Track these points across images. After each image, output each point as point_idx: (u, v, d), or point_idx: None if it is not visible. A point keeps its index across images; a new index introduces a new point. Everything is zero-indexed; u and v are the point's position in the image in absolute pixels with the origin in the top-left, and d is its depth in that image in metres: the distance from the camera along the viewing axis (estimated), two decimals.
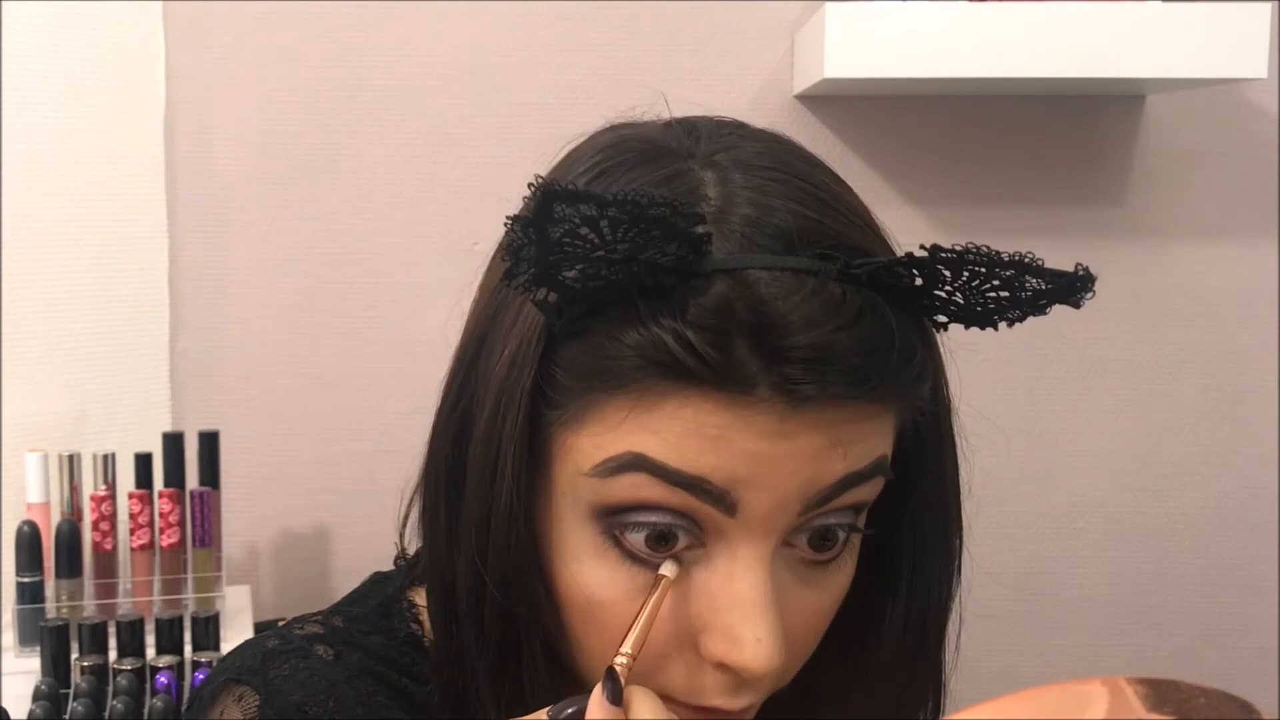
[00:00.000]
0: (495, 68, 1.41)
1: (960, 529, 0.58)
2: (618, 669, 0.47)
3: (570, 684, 0.54)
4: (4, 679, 1.15)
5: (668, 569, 0.49)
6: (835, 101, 1.43)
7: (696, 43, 1.42)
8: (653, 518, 0.49)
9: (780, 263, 0.47)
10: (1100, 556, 1.54)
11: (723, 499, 0.47)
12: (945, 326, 0.53)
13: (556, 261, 0.46)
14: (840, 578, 0.53)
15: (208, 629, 1.15)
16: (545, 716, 0.47)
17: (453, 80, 1.41)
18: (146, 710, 1.05)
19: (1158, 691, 0.38)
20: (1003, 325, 0.52)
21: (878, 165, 1.45)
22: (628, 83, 1.40)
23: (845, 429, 0.48)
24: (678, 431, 0.47)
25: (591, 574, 0.50)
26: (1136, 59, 1.27)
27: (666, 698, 0.51)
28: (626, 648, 0.48)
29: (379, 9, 1.39)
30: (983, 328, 0.52)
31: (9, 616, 1.22)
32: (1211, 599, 1.55)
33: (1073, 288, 0.48)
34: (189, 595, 1.24)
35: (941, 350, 0.57)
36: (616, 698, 0.46)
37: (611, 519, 0.49)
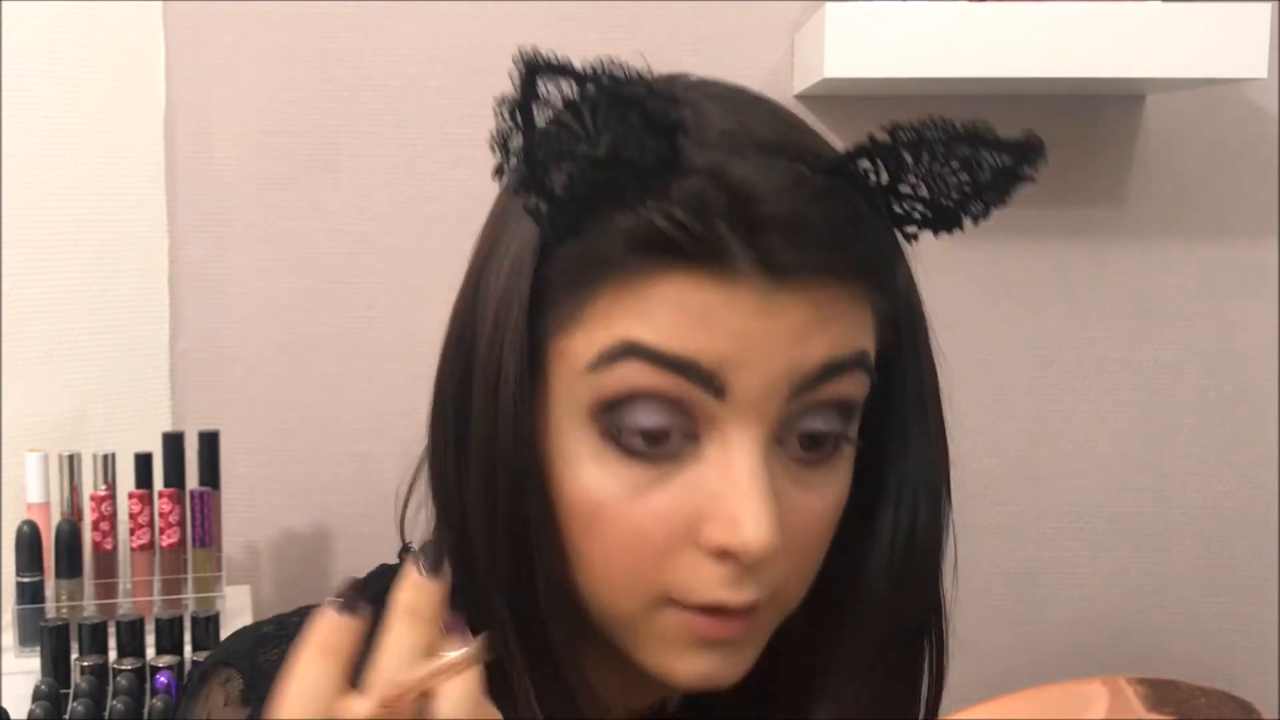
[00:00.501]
0: (495, 68, 1.40)
1: (944, 441, 0.59)
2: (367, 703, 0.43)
3: (580, 612, 0.54)
4: (4, 679, 1.15)
5: (469, 649, 0.45)
6: (835, 101, 1.43)
7: (696, 43, 1.42)
8: (648, 418, 0.50)
9: (754, 157, 0.50)
10: (1100, 556, 1.54)
11: (712, 381, 0.49)
12: (915, 237, 0.55)
13: (544, 159, 0.48)
14: (835, 486, 0.54)
15: (208, 629, 1.15)
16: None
17: (453, 80, 1.41)
18: (146, 710, 1.05)
19: (1158, 691, 0.38)
20: (969, 226, 0.54)
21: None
22: None
23: (825, 309, 0.50)
24: (666, 315, 0.49)
25: (592, 476, 0.51)
26: (1136, 59, 1.27)
27: (670, 601, 0.52)
28: (389, 691, 0.43)
29: (379, 9, 1.39)
30: (950, 229, 0.54)
31: (9, 616, 1.22)
32: (1211, 599, 1.55)
33: (1026, 156, 0.52)
34: (189, 595, 1.24)
35: (934, 340, 0.60)
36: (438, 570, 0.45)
37: (609, 416, 0.51)
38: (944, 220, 0.53)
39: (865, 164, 0.51)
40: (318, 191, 1.41)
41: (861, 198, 0.51)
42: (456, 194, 1.42)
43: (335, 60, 1.40)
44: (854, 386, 0.52)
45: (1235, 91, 1.48)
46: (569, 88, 0.47)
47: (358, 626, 0.44)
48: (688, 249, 0.48)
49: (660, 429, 0.50)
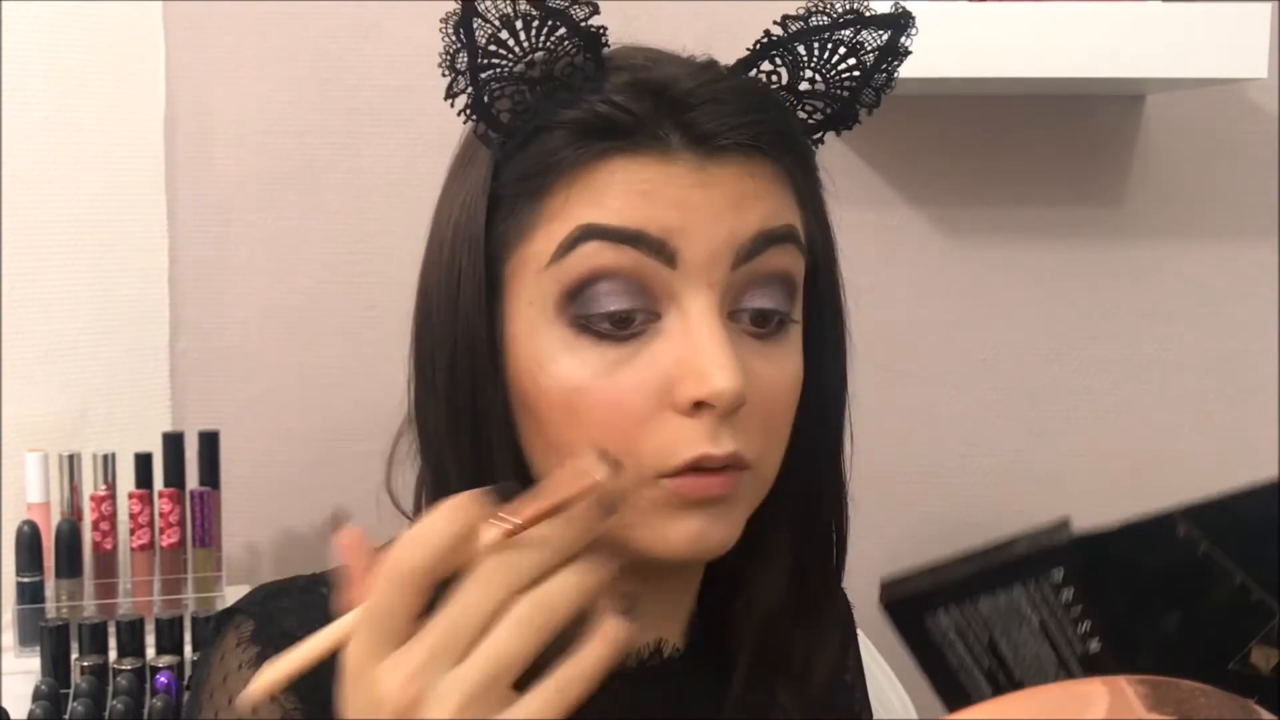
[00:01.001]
0: None
1: (844, 318, 0.65)
2: (496, 529, 0.45)
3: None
4: (4, 679, 1.15)
5: (596, 470, 0.48)
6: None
7: (696, 43, 1.41)
8: (611, 302, 0.55)
9: (667, 63, 0.59)
10: None
11: (662, 249, 0.54)
12: (821, 140, 0.62)
13: (487, 80, 0.55)
14: (789, 359, 0.59)
15: (208, 629, 1.15)
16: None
17: None
18: (146, 710, 1.05)
19: (1158, 691, 0.38)
20: (863, 115, 0.61)
21: (878, 165, 1.45)
22: None
23: (752, 182, 0.56)
24: (613, 195, 0.55)
25: (567, 365, 0.55)
26: (1136, 59, 1.27)
27: (659, 476, 0.54)
28: (517, 518, 0.45)
29: (379, 9, 1.39)
30: (849, 125, 0.61)
31: (9, 616, 1.22)
32: None
33: (899, 26, 0.59)
34: (189, 595, 1.24)
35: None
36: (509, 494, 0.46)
37: (576, 304, 0.55)
38: (841, 114, 0.61)
39: (766, 66, 0.60)
40: (318, 191, 1.41)
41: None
42: None
43: (335, 60, 1.40)
44: (789, 259, 0.58)
45: (1235, 91, 1.48)
46: (504, 3, 0.53)
47: (486, 507, 0.45)
48: (625, 129, 0.54)
49: (624, 310, 0.55)
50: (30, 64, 1.31)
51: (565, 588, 0.45)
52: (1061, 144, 1.48)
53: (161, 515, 1.25)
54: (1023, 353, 1.51)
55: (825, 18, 0.58)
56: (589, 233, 0.54)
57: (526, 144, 0.56)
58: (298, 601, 0.61)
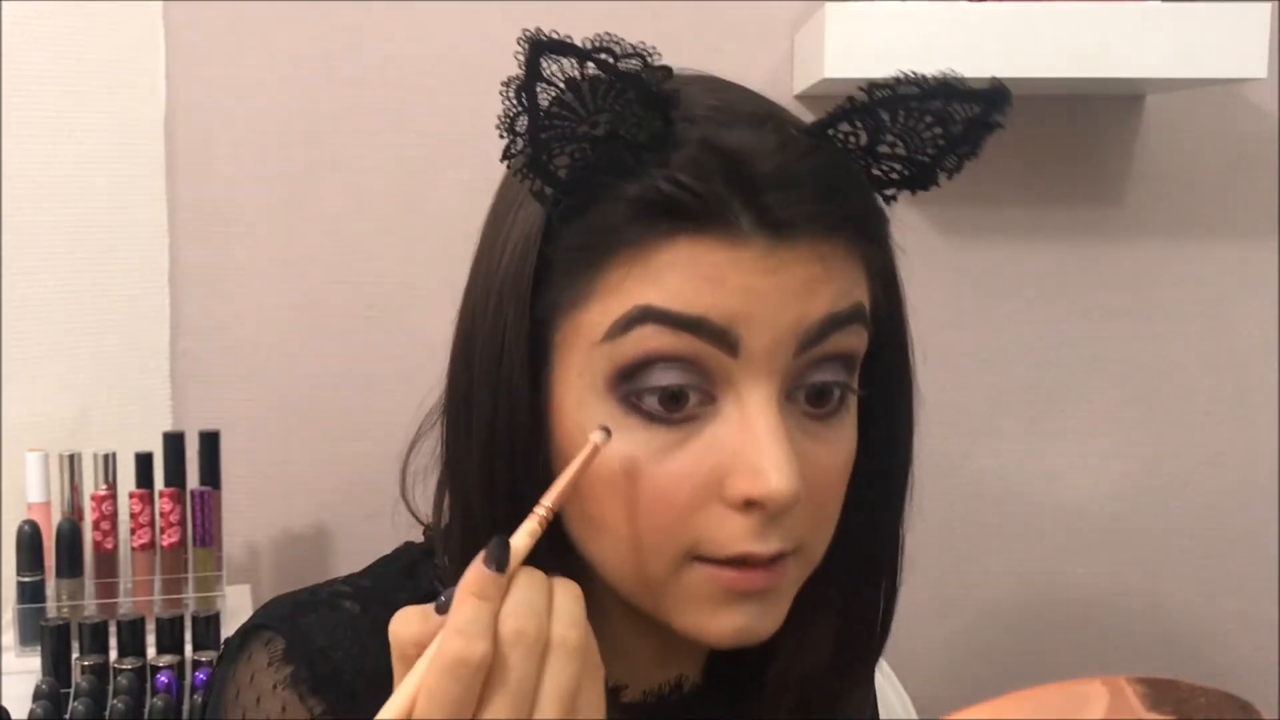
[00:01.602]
0: (495, 68, 1.40)
1: (913, 390, 0.62)
2: (536, 518, 0.49)
3: (588, 578, 0.55)
4: (4, 679, 1.15)
5: (596, 436, 0.52)
6: (835, 101, 1.43)
7: (696, 42, 1.42)
8: (665, 378, 0.52)
9: (740, 126, 0.53)
10: (1100, 556, 1.54)
11: (724, 337, 0.51)
12: (894, 198, 0.58)
13: (547, 141, 0.51)
14: (845, 436, 0.56)
15: (208, 629, 1.15)
16: (434, 610, 0.48)
17: (453, 80, 1.41)
18: (147, 710, 1.05)
19: (1158, 691, 0.38)
20: (944, 180, 0.57)
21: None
22: None
23: (823, 265, 0.53)
24: (675, 277, 0.51)
25: (615, 446, 0.53)
26: (1136, 59, 1.27)
27: (698, 558, 0.53)
28: (547, 500, 0.50)
29: (379, 9, 1.40)
30: (927, 187, 0.57)
31: (9, 616, 1.23)
32: (1211, 599, 1.55)
33: (994, 103, 0.54)
34: (189, 595, 1.24)
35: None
36: (501, 564, 0.47)
37: (628, 384, 0.52)
38: (920, 177, 0.56)
39: (845, 127, 0.55)
40: (318, 191, 1.41)
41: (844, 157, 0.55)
42: (456, 194, 1.42)
43: (335, 60, 1.40)
44: (855, 339, 0.55)
45: (1235, 91, 1.48)
46: (571, 66, 0.50)
47: (505, 580, 0.47)
48: (692, 211, 0.51)
49: (678, 390, 0.52)
50: (30, 64, 1.31)
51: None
52: (1061, 144, 1.48)
53: (162, 515, 1.25)
54: (1023, 353, 1.51)
55: (914, 88, 0.53)
56: (647, 315, 0.51)
57: (584, 209, 0.53)
58: (325, 618, 0.60)
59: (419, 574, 0.63)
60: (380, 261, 1.42)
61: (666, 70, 0.52)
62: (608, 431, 0.52)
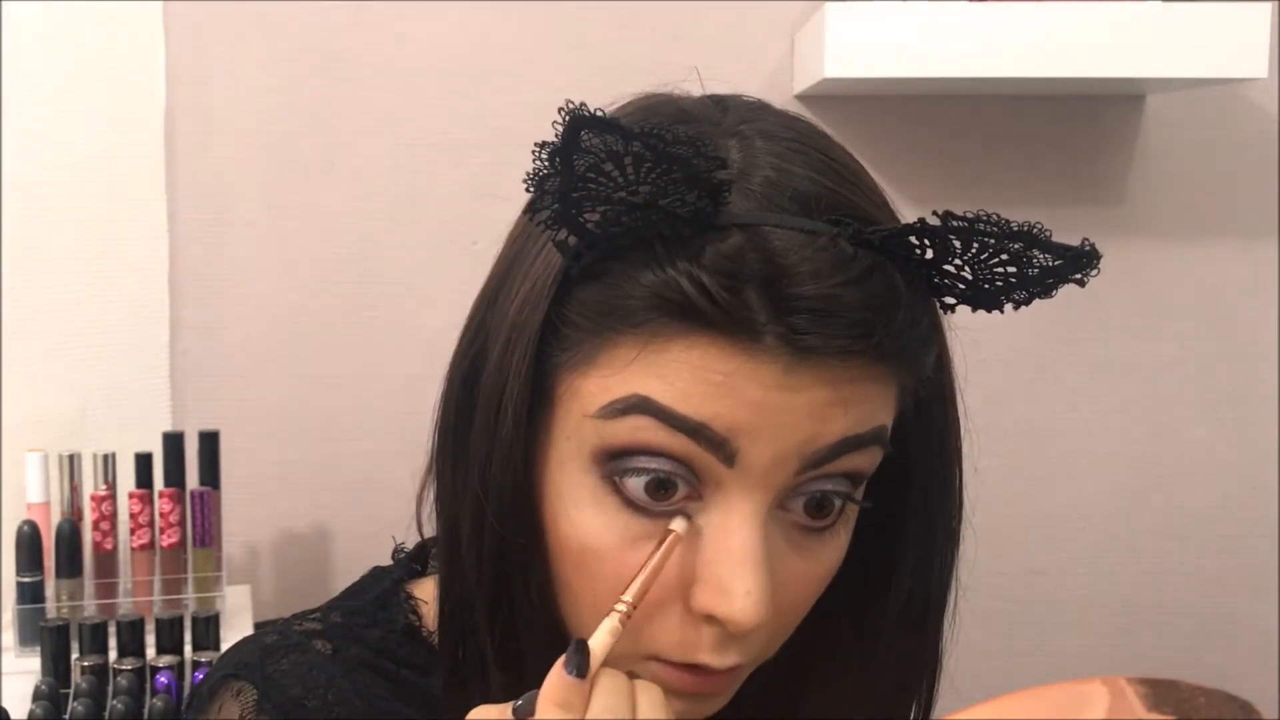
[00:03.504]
0: (495, 68, 1.41)
1: (961, 509, 0.59)
2: (616, 616, 0.48)
3: (562, 634, 0.54)
4: (4, 679, 1.15)
5: (677, 524, 0.50)
6: (835, 101, 1.43)
7: (696, 43, 1.42)
8: (653, 464, 0.49)
9: (795, 223, 0.48)
10: (1100, 556, 1.54)
11: (723, 447, 0.48)
12: (953, 309, 0.53)
13: (579, 200, 0.47)
14: (833, 549, 0.53)
15: (208, 629, 1.15)
16: (510, 712, 0.47)
17: (453, 80, 1.41)
18: (146, 710, 1.05)
19: (1158, 691, 0.38)
20: (1009, 309, 0.52)
21: (878, 165, 1.44)
22: (628, 83, 1.40)
23: (848, 388, 0.49)
24: (684, 376, 0.48)
25: (589, 521, 0.51)
26: (1136, 59, 1.27)
27: (654, 657, 0.52)
28: (627, 596, 0.48)
29: (379, 9, 1.40)
30: (989, 310, 0.52)
31: (9, 616, 1.22)
32: (1211, 599, 1.55)
33: (1078, 263, 0.49)
34: (189, 595, 1.24)
35: (960, 403, 0.58)
36: (582, 670, 0.46)
37: (613, 464, 0.50)
38: (984, 301, 0.52)
39: (913, 240, 0.49)
40: (318, 191, 1.41)
41: (901, 274, 0.50)
42: (456, 194, 1.42)
43: (335, 60, 1.40)
44: (867, 460, 0.52)
45: (1235, 91, 1.48)
46: (614, 142, 0.46)
47: (587, 687, 0.46)
48: (711, 317, 0.47)
49: (666, 479, 0.49)
50: (30, 64, 1.31)
51: None
52: (1061, 144, 1.48)
53: (162, 515, 1.25)
54: (1023, 353, 1.51)
55: (992, 228, 0.48)
56: (645, 407, 0.48)
57: (605, 272, 0.49)
58: (297, 663, 0.57)
59: (391, 606, 0.61)
60: (380, 261, 1.42)
61: (720, 161, 0.48)
62: (688, 518, 0.50)
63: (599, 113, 0.46)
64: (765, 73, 1.42)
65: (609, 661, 0.48)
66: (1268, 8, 1.27)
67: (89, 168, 1.35)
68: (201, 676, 1.08)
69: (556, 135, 0.46)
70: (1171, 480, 1.54)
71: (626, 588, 0.49)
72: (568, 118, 0.45)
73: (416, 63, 1.41)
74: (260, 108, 1.39)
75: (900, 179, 1.45)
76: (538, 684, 0.50)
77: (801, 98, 1.42)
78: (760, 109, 0.56)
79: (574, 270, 0.50)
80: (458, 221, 1.42)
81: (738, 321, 0.47)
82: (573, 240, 0.49)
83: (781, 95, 1.41)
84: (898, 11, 1.26)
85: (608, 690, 0.47)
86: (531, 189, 0.48)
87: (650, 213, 0.47)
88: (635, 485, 0.50)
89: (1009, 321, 1.53)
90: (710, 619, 0.50)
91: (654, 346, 0.48)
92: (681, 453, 0.49)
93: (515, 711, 0.47)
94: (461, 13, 1.40)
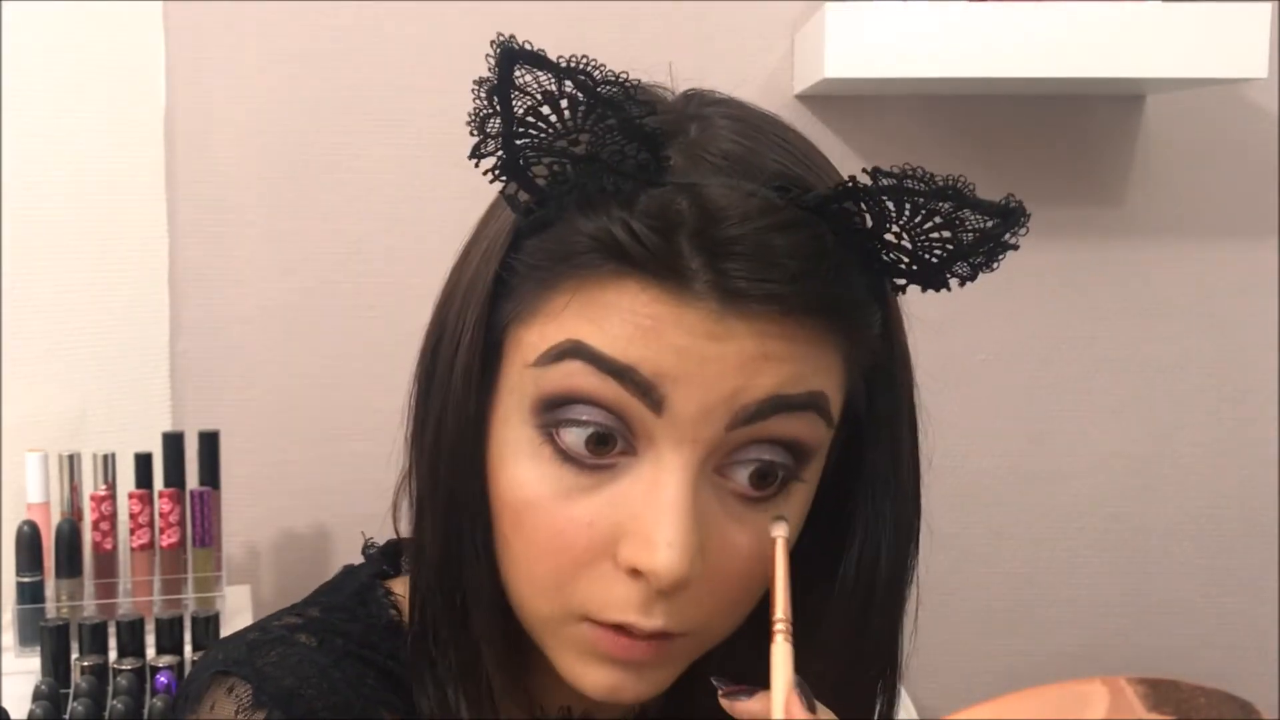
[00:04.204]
0: None
1: (917, 498, 0.59)
2: (781, 637, 0.48)
3: (503, 594, 0.55)
4: (4, 679, 1.15)
5: (779, 530, 0.51)
6: (835, 101, 1.43)
7: (696, 43, 1.42)
8: (587, 414, 0.50)
9: (735, 184, 0.50)
10: (1100, 556, 1.54)
11: (650, 392, 0.49)
12: (903, 289, 0.54)
13: (522, 148, 0.49)
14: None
15: (208, 629, 1.15)
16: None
17: (453, 80, 1.41)
18: (146, 710, 1.05)
19: (1158, 691, 0.38)
20: (954, 284, 0.53)
21: (878, 165, 1.45)
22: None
23: (777, 343, 0.49)
24: (614, 320, 0.49)
25: (525, 472, 0.51)
26: (1136, 59, 1.27)
27: (585, 618, 0.52)
28: (779, 613, 0.49)
29: (379, 9, 1.40)
30: (937, 288, 0.53)
31: (9, 616, 1.23)
32: (1211, 599, 1.55)
33: (1008, 221, 0.50)
34: (189, 595, 1.24)
35: (917, 395, 0.59)
36: (813, 704, 0.47)
37: (549, 414, 0.51)
38: (929, 276, 0.52)
39: (850, 206, 0.50)
40: (318, 191, 1.41)
41: (840, 239, 0.50)
42: (456, 194, 1.42)
43: (335, 60, 1.40)
44: (806, 428, 0.51)
45: (1235, 91, 1.48)
46: (547, 80, 0.47)
47: (758, 706, 0.49)
48: (642, 261, 0.48)
49: (606, 433, 0.50)
50: (30, 64, 1.31)
51: None
52: (1061, 144, 1.48)
53: (161, 515, 1.25)
54: (1023, 353, 1.51)
55: (920, 184, 0.49)
56: (576, 351, 0.49)
57: (551, 222, 0.51)
58: (285, 656, 0.57)
59: (371, 602, 0.61)
60: (380, 261, 1.42)
61: (650, 107, 0.49)
62: (785, 520, 0.51)
63: (528, 44, 0.47)
64: (765, 73, 1.42)
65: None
66: (1268, 8, 1.27)
67: (89, 168, 1.35)
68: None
69: (491, 71, 0.47)
70: (1171, 480, 1.54)
71: (772, 607, 0.50)
72: (499, 49, 0.47)
73: (416, 63, 1.41)
74: (260, 108, 1.39)
75: None
76: (489, 648, 0.53)
77: (801, 98, 1.42)
78: (725, 100, 0.57)
79: (524, 225, 0.52)
80: (458, 221, 1.41)
81: (667, 266, 0.48)
82: (524, 196, 0.51)
83: (781, 95, 1.41)
84: (898, 11, 1.26)
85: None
86: (474, 131, 0.50)
87: (595, 166, 0.49)
88: (574, 438, 0.50)
89: (1009, 321, 1.54)
90: (635, 573, 0.50)
91: (588, 293, 0.49)
92: (613, 401, 0.49)
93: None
94: (461, 12, 1.40)
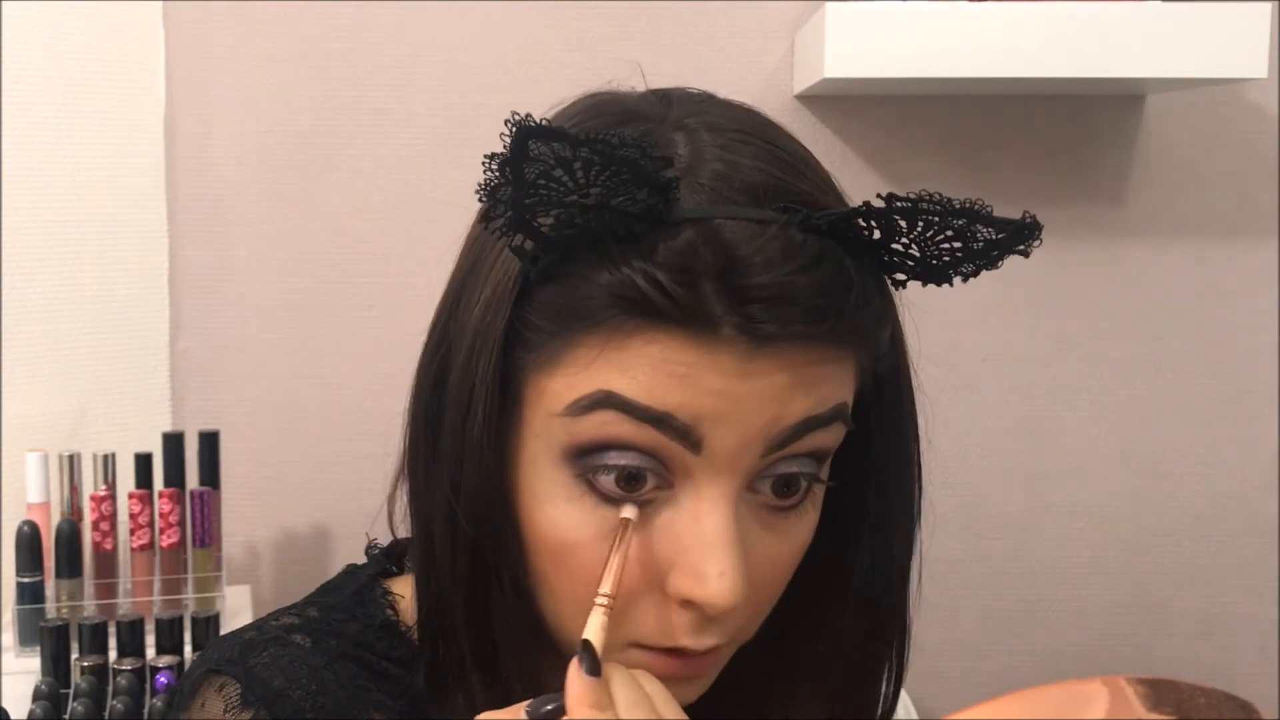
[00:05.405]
0: (495, 68, 1.41)
1: (919, 480, 0.60)
2: (601, 610, 0.49)
3: (538, 627, 0.55)
4: (4, 679, 1.15)
5: (628, 511, 0.51)
6: (835, 101, 1.43)
7: (696, 43, 1.42)
8: (623, 459, 0.50)
9: (745, 213, 0.50)
10: (1100, 556, 1.54)
11: (688, 435, 0.49)
12: (904, 285, 0.55)
13: (532, 205, 0.48)
14: (803, 527, 0.55)
15: (208, 629, 1.15)
16: (524, 713, 0.48)
17: (453, 80, 1.41)
18: (146, 710, 1.05)
19: (1158, 691, 0.38)
20: (958, 281, 0.54)
21: (878, 165, 1.45)
22: (627, 83, 1.40)
23: (806, 370, 0.50)
24: (646, 370, 0.49)
25: (565, 516, 0.52)
26: (1136, 59, 1.27)
27: (635, 644, 0.53)
28: (606, 588, 0.50)
29: (379, 9, 1.40)
30: (939, 283, 0.54)
31: (9, 616, 1.23)
32: (1212, 599, 1.55)
33: (1021, 235, 0.51)
34: (189, 595, 1.24)
35: (915, 379, 0.60)
36: (595, 669, 0.48)
37: (584, 460, 0.51)
38: (933, 275, 0.53)
39: (860, 224, 0.51)
40: (318, 191, 1.41)
41: (851, 256, 0.51)
42: (456, 194, 1.41)
43: (335, 60, 1.40)
44: (830, 438, 0.53)
45: (1235, 91, 1.48)
46: (562, 149, 0.47)
47: (607, 684, 0.48)
48: (669, 313, 0.48)
49: (636, 471, 0.50)
50: (30, 64, 1.31)
51: None
52: (1061, 144, 1.48)
53: (161, 515, 1.25)
54: (1023, 353, 1.51)
55: (937, 207, 0.49)
56: (610, 401, 0.49)
57: (563, 272, 0.50)
58: (277, 656, 0.57)
59: (369, 602, 0.62)
60: (380, 261, 1.42)
61: (667, 160, 0.49)
62: (637, 505, 0.51)
63: (545, 122, 0.46)
64: (765, 73, 1.42)
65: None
66: (1268, 8, 1.27)
67: (89, 168, 1.35)
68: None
69: (505, 146, 0.47)
70: (1171, 480, 1.54)
71: (601, 581, 0.50)
72: (514, 129, 0.46)
73: (416, 63, 1.41)
74: (260, 108, 1.39)
75: (900, 179, 1.45)
76: (519, 680, 0.52)
77: (801, 98, 1.42)
78: (705, 100, 0.57)
79: (532, 274, 0.51)
80: (458, 221, 1.41)
81: (695, 315, 0.48)
82: (529, 245, 0.50)
83: (781, 95, 1.41)
84: (898, 11, 1.26)
85: (622, 684, 0.49)
86: (484, 199, 0.50)
87: (603, 213, 0.48)
88: (607, 480, 0.51)
89: (1010, 321, 1.54)
90: (687, 603, 0.51)
91: (615, 343, 0.49)
92: (649, 444, 0.50)
93: (529, 713, 0.48)
94: (461, 12, 1.40)
